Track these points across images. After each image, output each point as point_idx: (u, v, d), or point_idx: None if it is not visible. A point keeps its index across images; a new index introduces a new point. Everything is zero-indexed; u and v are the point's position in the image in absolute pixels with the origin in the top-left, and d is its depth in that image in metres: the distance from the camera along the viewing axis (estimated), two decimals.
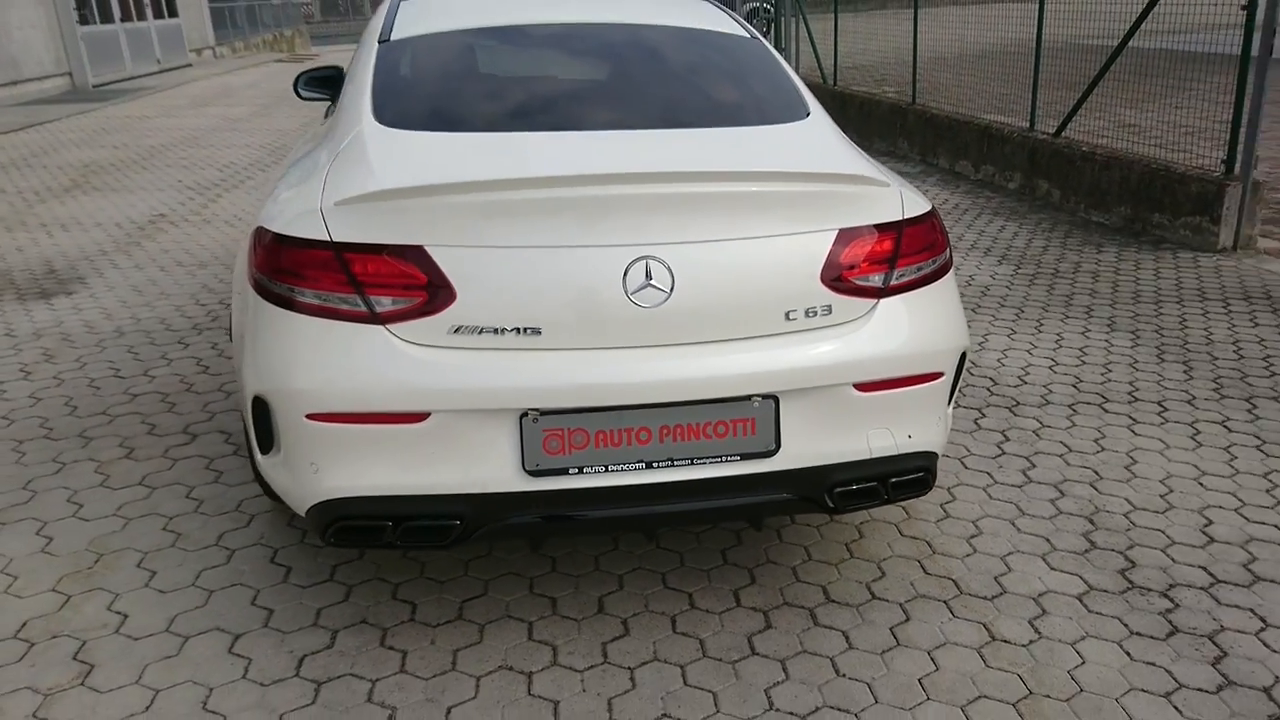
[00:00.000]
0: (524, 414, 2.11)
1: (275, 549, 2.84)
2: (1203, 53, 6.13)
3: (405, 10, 3.19)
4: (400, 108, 2.60)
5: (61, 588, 2.66)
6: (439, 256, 2.10)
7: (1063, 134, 7.14)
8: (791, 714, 2.19)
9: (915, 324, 2.32)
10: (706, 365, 2.14)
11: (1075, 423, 3.62)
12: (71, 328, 4.73)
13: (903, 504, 3.05)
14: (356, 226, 2.15)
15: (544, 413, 2.10)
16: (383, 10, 3.33)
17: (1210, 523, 2.95)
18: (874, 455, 2.30)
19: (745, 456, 2.20)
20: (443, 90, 2.71)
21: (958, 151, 8.29)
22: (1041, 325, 4.62)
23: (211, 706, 2.22)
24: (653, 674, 2.32)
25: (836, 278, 2.24)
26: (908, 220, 2.35)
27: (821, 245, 2.23)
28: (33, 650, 2.41)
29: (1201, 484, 3.18)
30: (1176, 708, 2.20)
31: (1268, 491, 3.13)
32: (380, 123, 2.53)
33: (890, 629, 2.48)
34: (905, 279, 2.33)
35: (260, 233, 2.30)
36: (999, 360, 4.21)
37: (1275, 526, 2.92)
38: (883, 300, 2.30)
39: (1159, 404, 3.77)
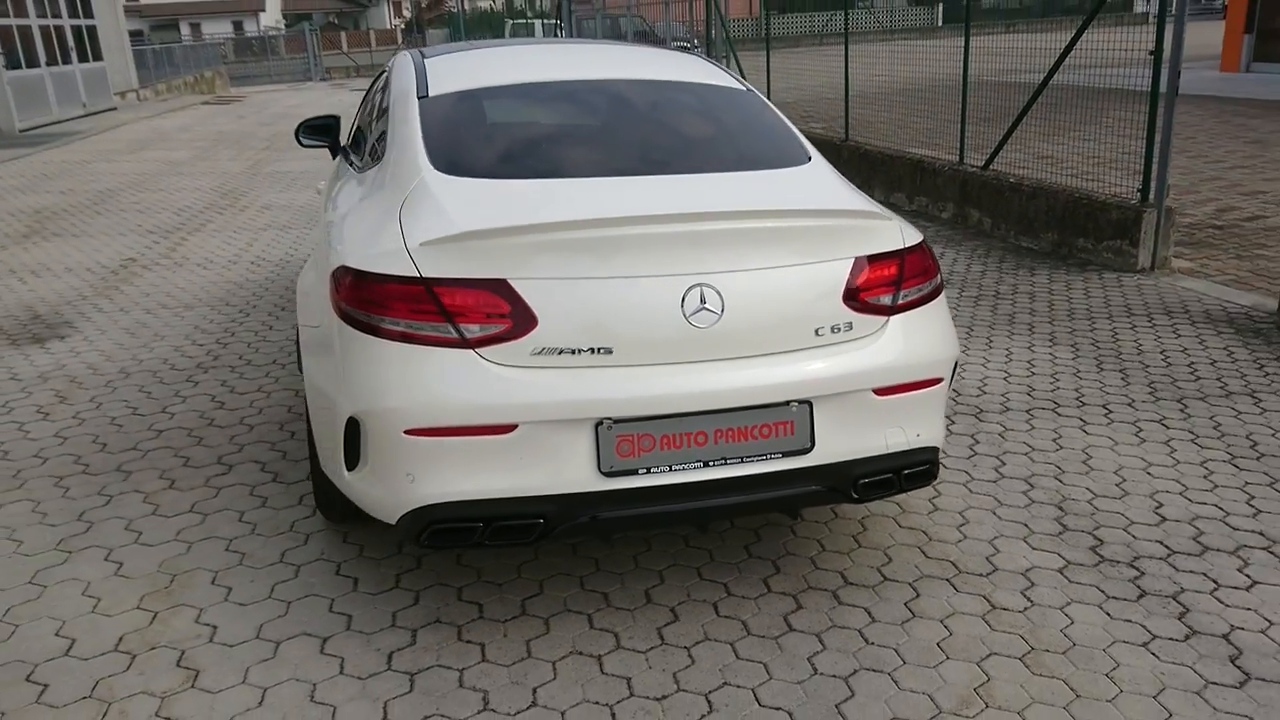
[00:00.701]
0: (599, 423, 2.42)
1: (338, 563, 3.08)
2: (1110, 88, 6.77)
3: (434, 69, 3.49)
4: (456, 158, 2.90)
5: (146, 605, 2.87)
6: (521, 288, 2.41)
7: (991, 166, 7.72)
8: (834, 676, 2.52)
9: (919, 337, 2.70)
10: (752, 376, 2.48)
11: (1034, 426, 4.06)
12: (75, 370, 4.87)
13: (897, 500, 3.42)
14: (443, 264, 2.45)
15: (616, 421, 2.42)
16: (405, 68, 3.62)
17: (1161, 505, 3.39)
18: (890, 451, 2.67)
19: (786, 454, 2.54)
20: (490, 141, 3.03)
21: (892, 184, 8.84)
22: (991, 342, 5.09)
23: (319, 699, 2.46)
24: (707, 651, 2.64)
25: (855, 299, 2.62)
26: (908, 249, 2.74)
27: (841, 271, 2.60)
28: (137, 660, 2.62)
29: (1149, 473, 3.63)
30: (1154, 654, 2.59)
31: (1205, 477, 3.58)
32: (440, 171, 2.83)
33: (904, 604, 2.84)
34: (909, 299, 2.72)
35: (346, 271, 2.58)
36: (959, 374, 4.65)
37: (1215, 506, 3.37)
38: (892, 318, 2.68)
39: (1104, 407, 4.23)
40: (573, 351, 2.42)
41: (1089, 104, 7.43)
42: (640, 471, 2.45)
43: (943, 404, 2.79)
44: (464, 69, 3.49)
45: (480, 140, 3.04)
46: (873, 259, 2.66)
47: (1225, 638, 2.65)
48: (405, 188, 2.83)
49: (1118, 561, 3.04)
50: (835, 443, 2.58)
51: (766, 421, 2.51)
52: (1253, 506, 3.36)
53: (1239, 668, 2.53)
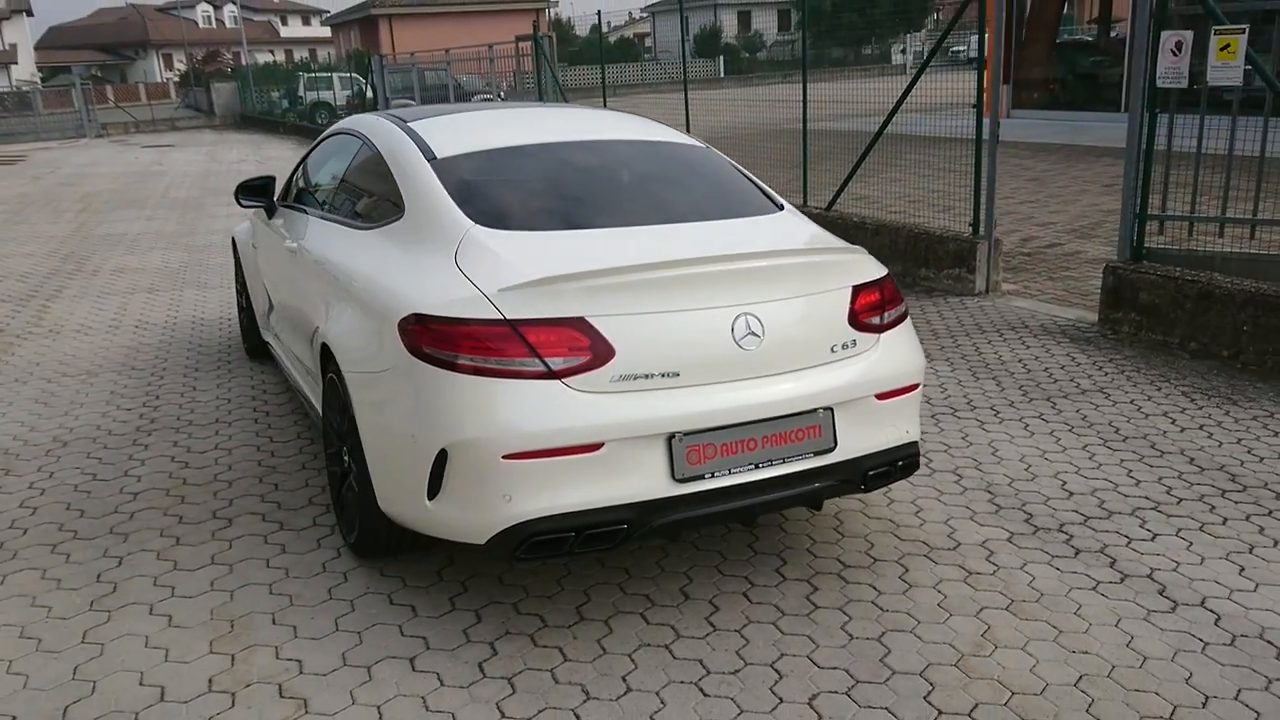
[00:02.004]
0: (671, 436, 2.80)
1: (387, 594, 3.27)
2: (933, 136, 7.79)
3: (427, 133, 3.76)
4: (490, 213, 3.22)
5: (219, 649, 2.97)
6: (598, 324, 2.77)
7: (834, 207, 8.59)
8: (868, 638, 2.99)
9: (903, 349, 3.25)
10: (789, 389, 2.94)
11: (942, 427, 4.72)
12: (1, 442, 4.70)
13: (859, 496, 3.95)
14: (523, 306, 2.77)
15: (686, 434, 2.81)
16: (390, 132, 3.86)
17: (1065, 483, 4.08)
18: (889, 446, 3.19)
19: (816, 454, 3.01)
20: (513, 198, 3.36)
21: None
22: None
23: (434, 708, 2.69)
24: (756, 631, 3.04)
25: (855, 320, 3.13)
26: (884, 278, 3.29)
27: (844, 298, 3.12)
28: (239, 697, 2.74)
29: (1046, 459, 4.34)
30: (1103, 595, 3.21)
31: (1090, 458, 4.32)
32: (482, 225, 3.14)
33: (899, 578, 3.35)
34: (892, 319, 3.26)
35: (423, 319, 2.84)
36: None
37: (1105, 480, 4.10)
38: (882, 335, 3.21)
39: (991, 409, 4.96)
40: (646, 376, 2.80)
41: (916, 149, 8.45)
42: (706, 476, 2.85)
43: (919, 406, 3.35)
44: (458, 133, 3.79)
45: (504, 197, 3.36)
46: (863, 287, 3.19)
47: (1149, 577, 3.32)
48: (451, 241, 3.11)
49: (1049, 529, 3.68)
50: (852, 441, 3.08)
51: (801, 426, 2.97)
52: (1133, 478, 4.11)
53: (1168, 598, 3.19)
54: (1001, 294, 7.25)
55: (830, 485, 3.08)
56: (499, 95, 26.15)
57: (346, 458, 3.44)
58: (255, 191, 4.98)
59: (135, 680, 2.83)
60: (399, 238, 3.37)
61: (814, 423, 2.99)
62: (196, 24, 73.88)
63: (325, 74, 32.07)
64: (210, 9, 76.80)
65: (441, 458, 2.80)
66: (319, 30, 75.62)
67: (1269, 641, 2.93)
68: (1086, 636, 2.98)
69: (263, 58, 57.02)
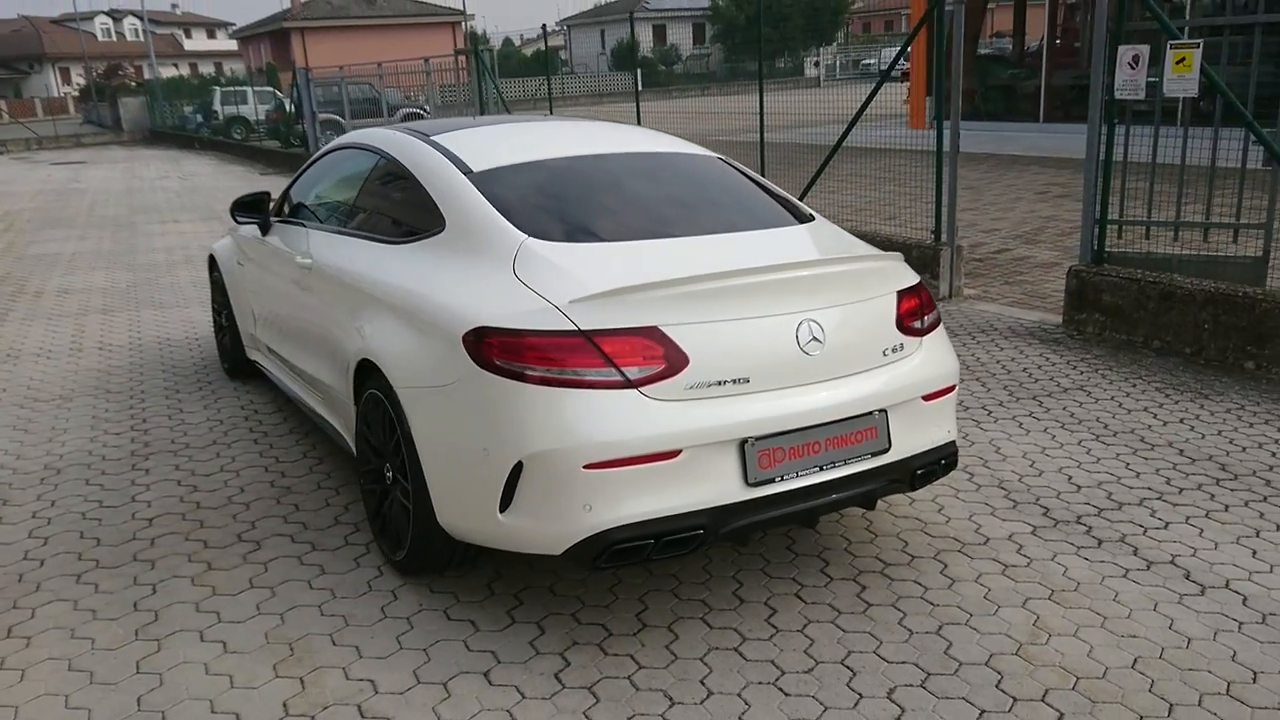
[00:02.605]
0: (744, 441, 2.86)
1: (443, 610, 3.25)
2: (864, 147, 8.05)
3: (457, 146, 3.74)
4: (541, 225, 3.23)
5: (285, 673, 2.91)
6: (671, 332, 2.81)
7: None
8: (928, 633, 3.08)
9: (941, 352, 3.36)
10: (849, 392, 3.02)
11: None
12: None
13: (884, 497, 4.05)
14: (595, 317, 2.80)
15: (758, 439, 2.87)
16: (415, 147, 3.83)
17: (1070, 477, 4.26)
18: (934, 446, 3.29)
19: (873, 455, 3.09)
20: (560, 210, 3.38)
21: None
22: None
23: (520, 719, 2.68)
24: (818, 630, 3.11)
25: (901, 324, 3.23)
26: (919, 284, 3.40)
27: (891, 303, 3.22)
28: (319, 719, 2.70)
29: (1047, 454, 4.51)
30: (1134, 581, 3.36)
31: (1087, 453, 4.51)
32: (536, 238, 3.15)
33: (940, 573, 3.46)
34: (930, 323, 3.37)
35: (491, 331, 2.85)
36: None
37: (1107, 473, 4.28)
38: (923, 338, 3.32)
39: (983, 409, 5.14)
40: (719, 383, 2.85)
41: (871, 161, 8.67)
42: (776, 480, 2.91)
43: (954, 407, 3.46)
44: (486, 147, 3.78)
45: (549, 209, 3.38)
46: (905, 292, 3.29)
47: (1172, 563, 3.49)
48: (506, 254, 3.12)
49: (1068, 521, 3.84)
50: (904, 442, 3.17)
51: (860, 429, 3.05)
52: (1132, 470, 4.31)
53: (1194, 582, 3.36)
54: (965, 299, 7.49)
55: (884, 485, 3.17)
56: (424, 110, 25.94)
57: (389, 475, 3.41)
58: (251, 207, 4.88)
59: (206, 708, 2.76)
60: (442, 251, 3.36)
61: (871, 424, 3.08)
62: (95, 37, 71.32)
63: (240, 88, 31.29)
64: (109, 21, 74.28)
65: (516, 470, 2.80)
66: (225, 43, 73.85)
67: None
68: (1130, 622, 3.12)
69: (166, 72, 55.41)
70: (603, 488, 2.75)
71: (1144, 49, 5.98)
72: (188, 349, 6.59)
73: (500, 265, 3.10)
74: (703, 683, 2.85)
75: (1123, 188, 6.51)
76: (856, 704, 2.75)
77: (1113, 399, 5.17)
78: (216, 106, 30.68)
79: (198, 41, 77.35)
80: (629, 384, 2.78)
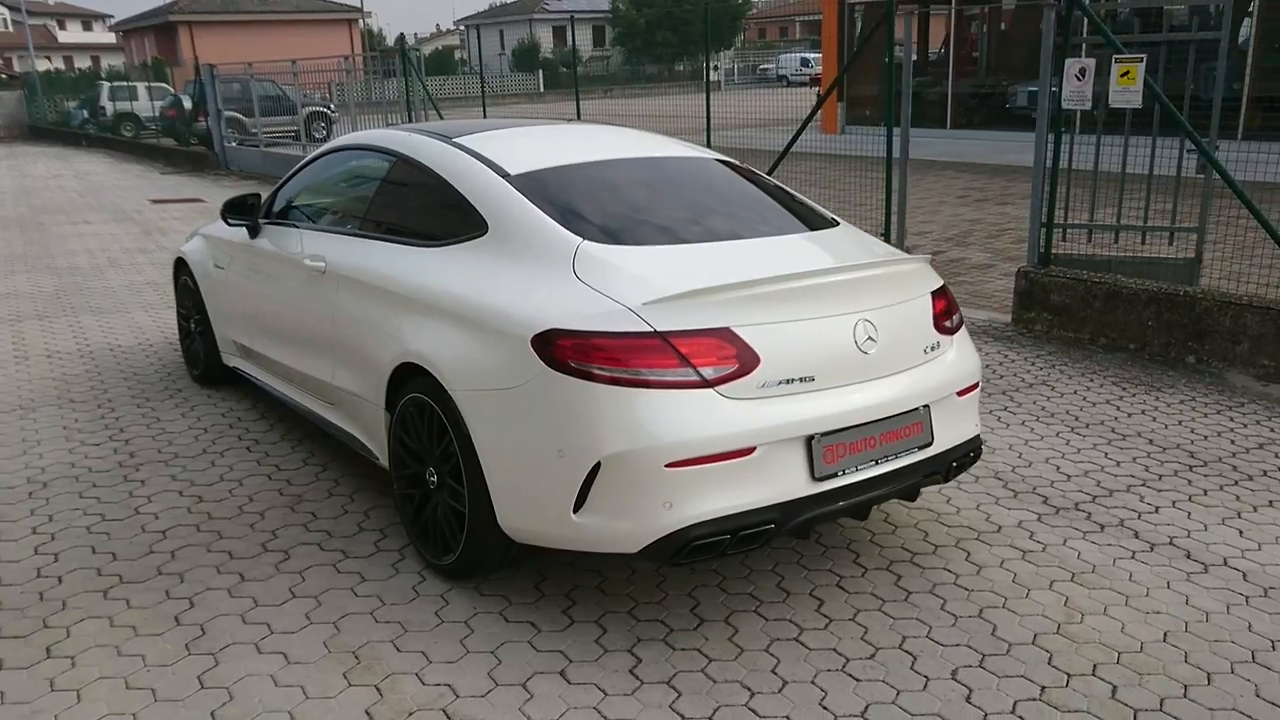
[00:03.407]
0: (811, 437, 2.96)
1: (498, 612, 3.26)
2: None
3: (487, 149, 3.75)
4: (591, 227, 3.27)
5: (358, 681, 2.89)
6: (742, 333, 2.90)
7: None
8: (971, 616, 3.24)
9: (969, 350, 3.54)
10: (900, 389, 3.16)
11: None
12: None
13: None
14: (668, 318, 2.86)
15: (823, 435, 2.98)
16: (440, 149, 3.81)
17: (1058, 467, 4.50)
18: (966, 439, 3.46)
19: (919, 448, 3.24)
20: (608, 212, 3.42)
21: None
22: None
23: (613, 716, 2.73)
24: (867, 618, 3.23)
25: (937, 323, 3.39)
26: (944, 286, 3.57)
27: (927, 304, 3.37)
28: None
29: (1031, 446, 4.76)
30: (1143, 562, 3.60)
31: (1067, 444, 4.77)
32: (591, 241, 3.19)
33: (965, 560, 3.63)
34: (957, 322, 3.54)
35: (564, 334, 2.88)
36: None
37: (1091, 463, 4.55)
38: (954, 336, 3.49)
39: None
40: (788, 381, 2.94)
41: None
42: (839, 474, 3.02)
43: (978, 402, 3.64)
44: (515, 149, 3.79)
45: (595, 212, 3.41)
46: (935, 293, 3.45)
47: (1171, 544, 3.74)
48: (562, 256, 3.15)
49: (1067, 508, 4.07)
50: (944, 435, 3.33)
51: (909, 424, 3.19)
52: (1111, 459, 4.58)
53: (1196, 561, 3.61)
54: None
55: (926, 477, 3.32)
56: (329, 109, 25.34)
57: (433, 479, 3.40)
58: (242, 209, 4.76)
59: None
60: (487, 254, 3.36)
61: (918, 419, 3.22)
62: None
63: (130, 83, 30.00)
64: None
65: (594, 470, 2.84)
66: (103, 36, 70.58)
67: None
68: (1151, 599, 3.34)
69: (39, 65, 52.66)
70: (683, 485, 2.81)
71: (1090, 62, 6.33)
72: (144, 355, 6.35)
73: (558, 268, 3.13)
74: (774, 672, 2.94)
75: (1068, 194, 6.88)
76: (925, 685, 2.88)
77: (1076, 393, 5.47)
78: (104, 102, 29.34)
79: (73, 33, 73.65)
80: (705, 384, 2.85)
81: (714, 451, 2.82)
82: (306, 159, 4.77)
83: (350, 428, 4.01)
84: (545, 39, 56.67)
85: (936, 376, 3.31)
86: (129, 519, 3.97)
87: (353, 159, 4.40)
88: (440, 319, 3.32)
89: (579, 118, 11.23)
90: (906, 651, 3.05)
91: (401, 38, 13.41)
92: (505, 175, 3.55)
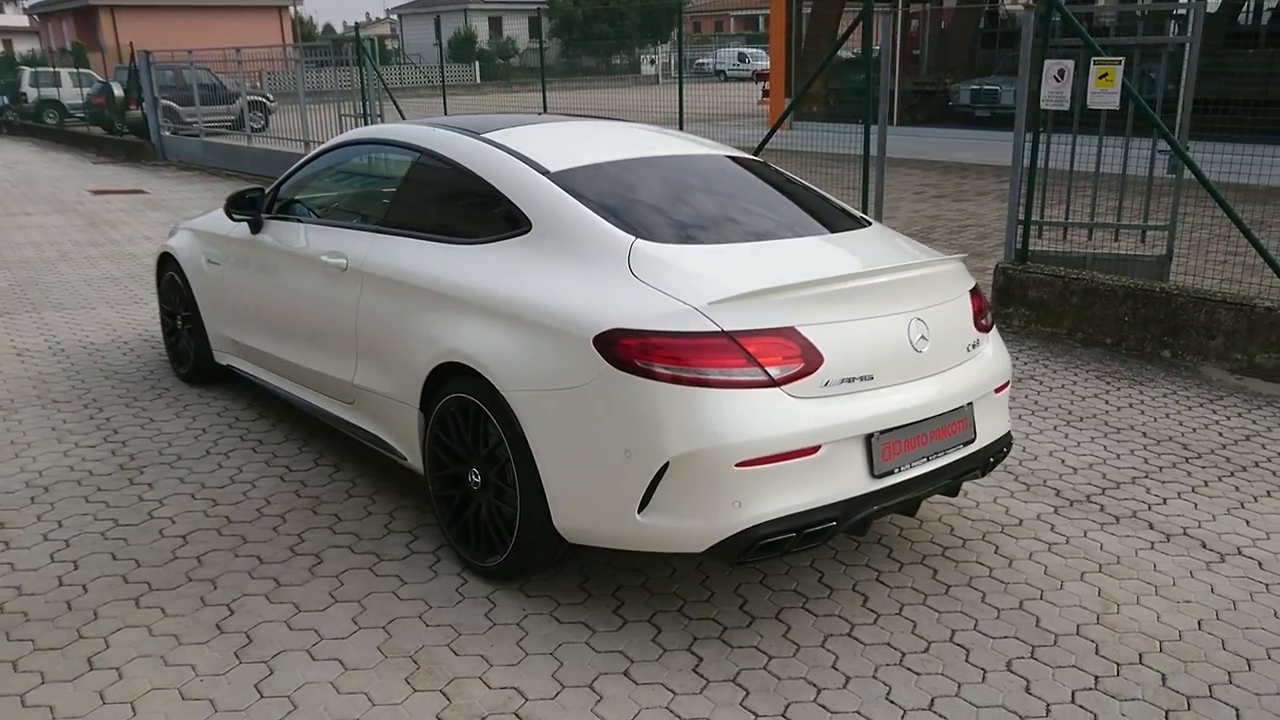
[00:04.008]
0: (871, 436, 2.99)
1: (548, 614, 3.23)
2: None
3: (520, 145, 3.70)
4: (641, 226, 3.26)
5: (422, 687, 2.84)
6: (806, 332, 2.92)
7: None
8: (1013, 609, 3.31)
9: (1001, 348, 3.61)
10: (948, 386, 3.21)
11: None
12: None
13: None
14: (734, 317, 2.87)
15: (883, 432, 3.01)
16: (468, 144, 3.75)
17: (1063, 460, 4.62)
18: (1001, 434, 3.53)
19: (963, 444, 3.30)
20: (654, 210, 3.41)
21: None
22: None
23: (687, 715, 2.73)
24: (914, 612, 3.29)
25: (976, 322, 3.45)
26: (977, 284, 3.64)
27: (967, 302, 3.43)
28: None
29: (1034, 441, 4.87)
30: (1162, 553, 3.72)
31: (1066, 438, 4.90)
32: (644, 239, 3.18)
33: (995, 554, 3.71)
34: (990, 321, 3.61)
35: (629, 333, 2.87)
36: None
37: (1092, 455, 4.67)
38: (989, 334, 3.56)
39: None
40: (849, 380, 2.97)
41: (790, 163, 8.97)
42: (895, 471, 3.07)
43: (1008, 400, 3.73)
44: (549, 146, 3.75)
45: (642, 210, 3.40)
46: (972, 292, 3.51)
47: (1186, 534, 3.87)
48: (616, 255, 3.13)
49: (1080, 500, 4.18)
50: (984, 432, 3.39)
51: (955, 420, 3.25)
52: (1111, 452, 4.72)
53: (1213, 550, 3.74)
54: None
55: (967, 474, 3.38)
56: (267, 99, 24.73)
57: (476, 480, 3.36)
58: (248, 205, 4.64)
59: None
60: (533, 252, 3.32)
61: (963, 416, 3.28)
62: None
63: (53, 69, 28.92)
64: None
65: (662, 470, 2.83)
66: (14, 19, 67.78)
67: None
68: (1178, 589, 3.46)
69: None
70: (752, 484, 2.83)
71: (1069, 63, 6.49)
72: (119, 353, 6.14)
73: (612, 266, 3.11)
74: (835, 668, 2.98)
75: (1044, 191, 7.05)
76: (984, 678, 2.94)
77: (1064, 387, 5.62)
78: (26, 88, 28.21)
79: None
80: (772, 383, 2.86)
81: (782, 450, 2.84)
82: (311, 154, 4.66)
83: (372, 427, 3.93)
84: (480, 29, 56.09)
85: (978, 374, 3.37)
86: (144, 524, 3.84)
87: (366, 154, 4.31)
88: (487, 318, 3.27)
89: (544, 110, 11.15)
90: (958, 645, 3.11)
91: (356, 26, 13.11)
92: (545, 172, 3.52)
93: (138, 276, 8.42)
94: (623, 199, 3.45)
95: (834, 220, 3.72)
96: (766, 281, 2.98)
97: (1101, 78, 6.41)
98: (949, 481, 3.30)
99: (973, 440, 3.34)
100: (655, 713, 2.75)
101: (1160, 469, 4.49)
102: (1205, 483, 4.34)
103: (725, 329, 2.85)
